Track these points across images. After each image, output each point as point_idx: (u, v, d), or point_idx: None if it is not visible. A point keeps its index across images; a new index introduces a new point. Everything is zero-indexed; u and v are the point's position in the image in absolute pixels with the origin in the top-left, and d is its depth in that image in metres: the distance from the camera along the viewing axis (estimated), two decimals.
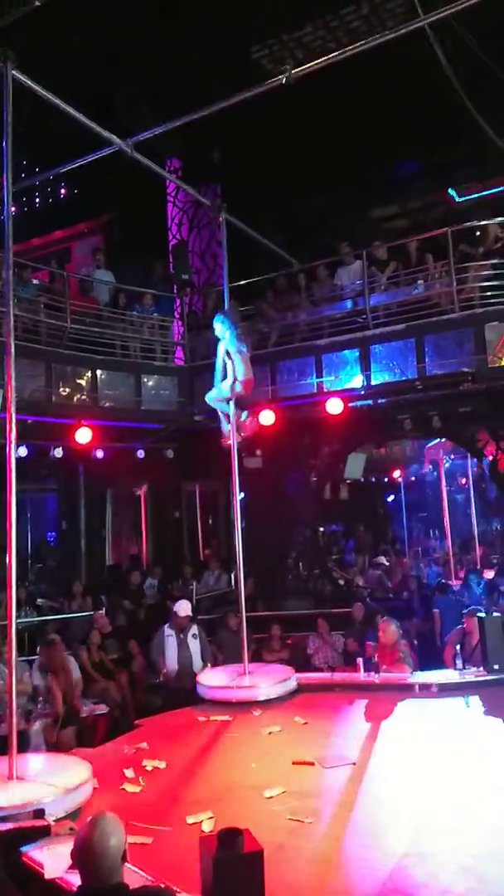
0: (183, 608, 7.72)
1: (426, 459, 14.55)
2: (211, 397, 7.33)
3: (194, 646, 7.63)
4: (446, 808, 4.13)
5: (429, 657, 8.10)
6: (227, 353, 7.02)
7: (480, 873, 3.41)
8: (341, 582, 12.07)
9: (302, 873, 3.48)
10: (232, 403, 7.18)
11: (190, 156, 12.74)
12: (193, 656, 7.52)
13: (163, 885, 2.83)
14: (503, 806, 4.09)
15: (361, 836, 3.87)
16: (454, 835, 3.79)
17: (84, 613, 9.66)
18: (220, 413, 7.37)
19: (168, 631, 7.67)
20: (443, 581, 11.26)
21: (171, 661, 7.43)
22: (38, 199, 16.12)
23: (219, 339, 7.22)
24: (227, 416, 7.26)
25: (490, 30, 9.24)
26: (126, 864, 2.51)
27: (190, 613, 7.78)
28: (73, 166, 7.17)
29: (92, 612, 9.29)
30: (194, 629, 7.75)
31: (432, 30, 7.96)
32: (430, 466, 14.45)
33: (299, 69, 5.85)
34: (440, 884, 3.34)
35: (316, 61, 5.96)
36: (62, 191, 15.95)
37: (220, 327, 7.11)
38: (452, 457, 15.20)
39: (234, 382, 6.98)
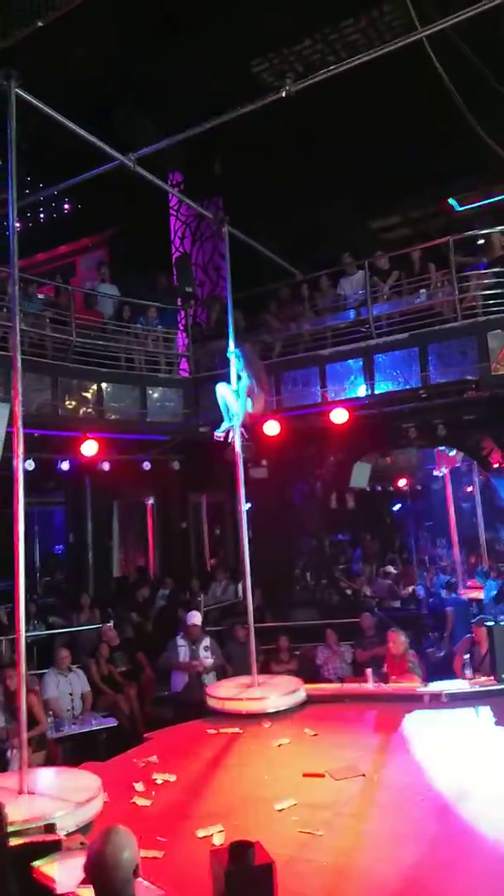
0: (194, 618, 7.76)
1: (441, 465, 14.46)
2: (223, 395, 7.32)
3: (205, 658, 7.63)
4: (458, 819, 4.11)
5: (439, 667, 8.08)
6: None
7: (494, 885, 3.38)
8: (349, 592, 12.04)
9: (313, 886, 3.46)
10: (236, 421, 7.19)
11: (192, 169, 12.84)
12: (205, 674, 7.53)
13: None
14: None
15: (373, 848, 3.86)
16: (467, 846, 3.77)
17: (92, 626, 9.65)
18: (222, 409, 7.35)
19: (180, 641, 7.70)
20: (452, 580, 11.25)
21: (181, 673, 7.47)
22: (42, 215, 16.23)
23: (227, 353, 7.36)
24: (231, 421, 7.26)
25: (487, 40, 9.31)
26: (138, 877, 2.50)
27: (198, 623, 7.81)
28: (77, 181, 7.23)
29: (100, 625, 9.28)
30: (206, 641, 7.76)
31: (430, 42, 8.01)
32: (445, 470, 14.33)
33: (299, 83, 5.90)
34: (455, 894, 3.32)
35: (315, 75, 6.03)
36: (66, 206, 16.05)
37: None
38: (458, 464, 15.16)
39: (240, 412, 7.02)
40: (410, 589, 12.75)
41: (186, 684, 7.57)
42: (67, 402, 9.43)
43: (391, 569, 13.86)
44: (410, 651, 7.12)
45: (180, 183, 12.98)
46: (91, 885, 2.47)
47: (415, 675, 6.84)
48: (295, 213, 12.52)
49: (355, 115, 11.08)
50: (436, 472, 14.64)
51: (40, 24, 5.18)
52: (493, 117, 9.93)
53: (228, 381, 7.35)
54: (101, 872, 2.41)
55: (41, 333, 9.39)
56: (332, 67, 6.00)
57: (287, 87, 5.98)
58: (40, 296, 10.42)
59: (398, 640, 7.05)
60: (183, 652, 7.65)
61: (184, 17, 10.51)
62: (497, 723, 5.76)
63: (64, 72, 10.65)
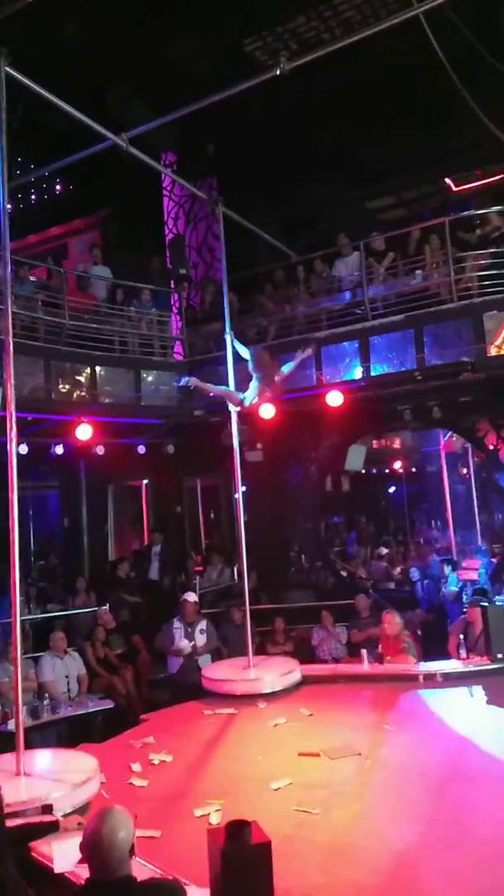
0: (190, 596, 7.81)
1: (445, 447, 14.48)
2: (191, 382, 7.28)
3: (201, 640, 7.66)
4: (453, 798, 4.15)
5: (434, 648, 8.12)
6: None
7: (490, 863, 3.42)
8: (344, 574, 12.09)
9: (310, 864, 3.50)
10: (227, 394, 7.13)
11: (185, 149, 12.70)
12: (199, 656, 7.57)
13: (170, 878, 2.85)
14: None
15: (369, 826, 3.89)
16: (462, 824, 3.81)
17: (88, 609, 9.68)
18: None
19: (177, 623, 7.74)
20: (451, 559, 11.35)
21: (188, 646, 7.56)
22: (33, 196, 16.05)
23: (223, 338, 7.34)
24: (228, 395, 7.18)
25: (484, 17, 9.19)
26: (134, 856, 2.52)
27: (196, 600, 7.85)
28: (69, 162, 7.14)
29: (96, 608, 9.31)
30: (203, 624, 7.79)
31: (426, 18, 7.89)
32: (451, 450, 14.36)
33: (293, 61, 5.81)
34: (449, 874, 3.35)
35: (310, 53, 5.93)
36: (58, 187, 15.88)
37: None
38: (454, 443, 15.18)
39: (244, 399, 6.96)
40: (398, 570, 12.81)
41: (181, 666, 7.60)
42: (61, 386, 9.38)
43: (384, 550, 13.92)
44: (405, 632, 7.16)
45: (173, 163, 12.84)
46: (87, 865, 2.49)
47: (409, 656, 6.89)
48: (290, 194, 12.42)
49: (350, 94, 10.97)
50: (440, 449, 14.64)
51: (28, 0, 5.06)
52: (490, 96, 9.82)
53: (225, 365, 7.32)
54: (97, 852, 2.43)
55: (34, 316, 9.31)
56: (327, 45, 5.89)
57: (281, 66, 5.88)
58: (32, 278, 10.32)
59: (392, 621, 7.09)
60: (179, 634, 7.69)
61: None
62: (491, 702, 5.81)
63: (55, 51, 10.50)
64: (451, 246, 8.84)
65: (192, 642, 7.62)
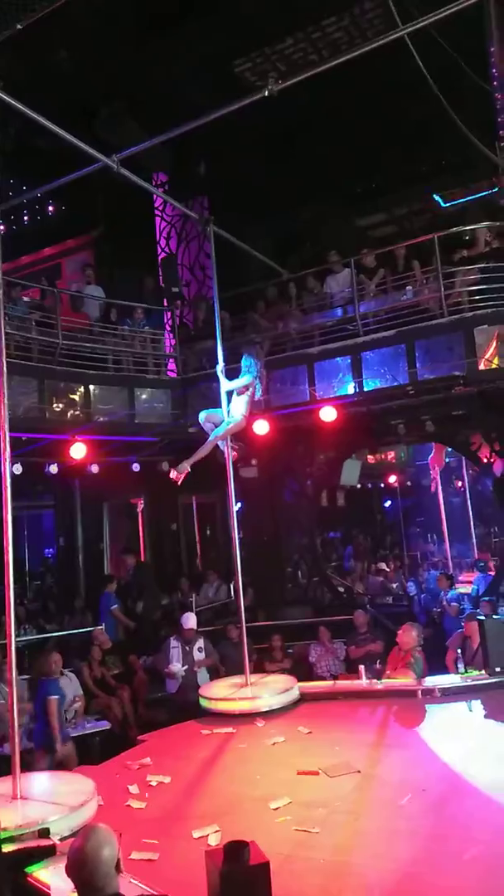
0: (189, 621, 7.77)
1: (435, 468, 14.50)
2: (203, 417, 7.31)
3: (198, 657, 7.63)
4: (454, 814, 4.12)
5: (433, 662, 8.07)
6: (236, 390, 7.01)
7: (492, 877, 3.39)
8: (341, 589, 12.06)
9: (310, 884, 3.46)
10: (224, 430, 7.13)
11: (176, 169, 12.81)
12: (197, 670, 7.53)
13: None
14: None
15: (369, 844, 3.86)
16: (463, 840, 3.78)
17: (84, 630, 9.61)
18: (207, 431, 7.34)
19: (174, 642, 7.71)
20: (449, 573, 11.33)
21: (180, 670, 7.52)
22: (26, 218, 16.14)
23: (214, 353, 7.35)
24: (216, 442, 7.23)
25: (468, 37, 9.35)
26: (121, 873, 2.50)
27: (194, 626, 7.82)
28: (61, 183, 7.20)
29: (92, 628, 9.25)
30: (200, 642, 7.76)
31: (412, 39, 8.02)
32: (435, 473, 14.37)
33: (282, 83, 5.90)
34: (451, 891, 3.32)
35: (299, 74, 6.03)
36: (50, 208, 15.98)
37: (244, 364, 7.08)
38: (448, 460, 15.23)
39: (236, 417, 6.97)
40: (394, 585, 12.79)
41: (181, 686, 7.56)
42: (55, 405, 9.39)
43: (384, 566, 13.90)
44: (419, 648, 7.06)
45: (165, 183, 12.95)
46: (74, 886, 2.46)
47: (411, 672, 6.82)
48: (281, 212, 12.52)
49: (339, 113, 11.10)
50: (432, 475, 14.67)
51: (19, 27, 5.12)
52: (475, 113, 9.97)
53: (217, 382, 7.35)
54: (81, 870, 2.42)
55: (27, 336, 9.34)
56: (315, 66, 6.00)
57: (270, 87, 5.97)
58: (25, 298, 10.36)
59: (409, 633, 7.01)
60: (176, 653, 7.66)
61: (166, 17, 10.49)
62: (489, 716, 5.78)
63: (46, 73, 10.61)
64: (441, 262, 8.91)
65: (185, 666, 7.56)
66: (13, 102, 5.36)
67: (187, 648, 7.66)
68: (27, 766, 5.14)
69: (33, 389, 9.09)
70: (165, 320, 11.71)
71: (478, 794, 4.32)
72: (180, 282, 12.00)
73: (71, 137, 6.05)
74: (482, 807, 4.14)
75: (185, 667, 7.55)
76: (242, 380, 6.92)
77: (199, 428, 10.24)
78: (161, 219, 13.51)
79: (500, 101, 9.40)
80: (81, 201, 13.96)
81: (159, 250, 13.37)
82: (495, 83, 9.41)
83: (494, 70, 9.42)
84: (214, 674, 7.93)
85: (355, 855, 3.75)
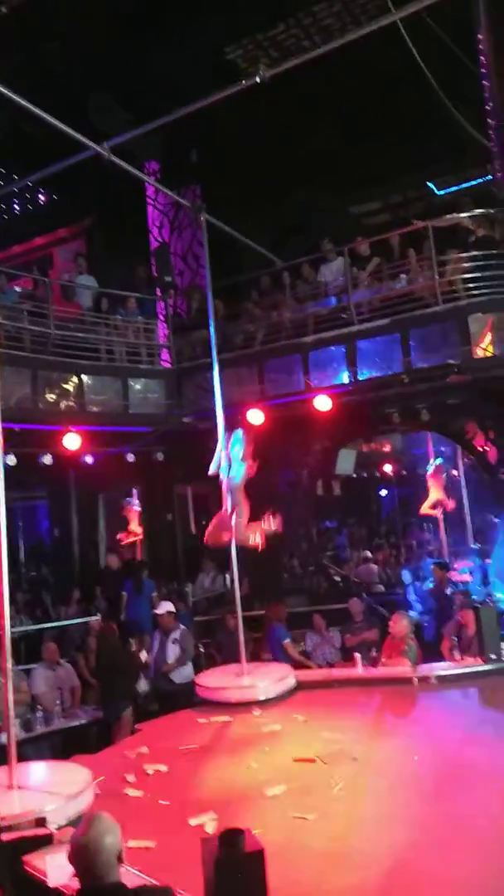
0: (161, 607, 7.83)
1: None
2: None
3: (171, 650, 7.66)
4: (450, 799, 4.14)
5: (428, 650, 8.11)
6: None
7: (489, 863, 3.41)
8: (337, 578, 12.08)
9: (307, 870, 3.48)
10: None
11: (168, 157, 12.73)
12: (168, 660, 7.59)
13: (161, 885, 2.81)
14: None
15: (366, 831, 3.88)
16: (460, 826, 3.80)
17: (80, 620, 9.62)
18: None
19: (156, 634, 7.78)
20: (444, 560, 11.32)
21: (151, 660, 7.70)
22: (17, 207, 16.03)
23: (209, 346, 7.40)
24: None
25: (461, 22, 9.29)
26: (122, 863, 2.50)
27: (169, 611, 7.84)
28: (51, 172, 7.15)
29: (88, 619, 9.25)
30: (177, 633, 7.76)
31: (405, 25, 7.97)
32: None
33: (274, 69, 5.86)
34: (447, 876, 3.34)
35: (290, 60, 6.00)
36: (41, 197, 15.88)
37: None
38: (443, 449, 15.22)
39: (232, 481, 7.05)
40: (378, 571, 12.79)
41: (155, 675, 7.70)
42: (48, 396, 9.35)
43: (368, 554, 13.91)
44: (411, 636, 7.10)
45: (157, 172, 12.87)
46: (76, 873, 2.47)
47: (406, 660, 6.84)
48: (274, 201, 12.45)
49: (334, 100, 11.04)
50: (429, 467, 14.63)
51: (4, 10, 5.07)
52: (470, 101, 9.92)
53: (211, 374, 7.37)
54: (84, 858, 2.42)
55: (19, 326, 9.28)
56: (307, 52, 5.96)
57: (261, 73, 5.93)
58: (17, 288, 10.29)
59: (399, 622, 7.05)
60: (156, 645, 7.73)
61: (157, 5, 10.40)
62: (485, 703, 5.81)
63: (37, 61, 10.52)
64: (436, 250, 8.88)
65: (148, 655, 7.72)
66: (4, 90, 5.31)
67: (164, 638, 7.72)
68: None
69: (26, 380, 9.05)
70: (159, 310, 11.65)
71: (474, 782, 4.34)
72: (173, 271, 11.94)
73: (61, 125, 6.00)
74: (478, 794, 4.16)
75: (149, 656, 7.66)
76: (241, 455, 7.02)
77: (193, 418, 10.31)
78: (153, 208, 13.43)
79: (489, 88, 9.35)
80: (73, 190, 13.88)
81: (152, 239, 13.30)
82: (483, 70, 9.36)
83: (482, 57, 9.36)
84: (210, 662, 7.96)
85: (351, 842, 3.77)
